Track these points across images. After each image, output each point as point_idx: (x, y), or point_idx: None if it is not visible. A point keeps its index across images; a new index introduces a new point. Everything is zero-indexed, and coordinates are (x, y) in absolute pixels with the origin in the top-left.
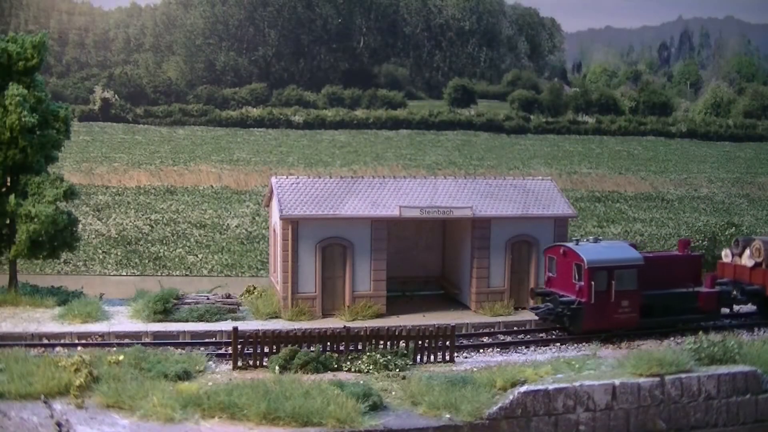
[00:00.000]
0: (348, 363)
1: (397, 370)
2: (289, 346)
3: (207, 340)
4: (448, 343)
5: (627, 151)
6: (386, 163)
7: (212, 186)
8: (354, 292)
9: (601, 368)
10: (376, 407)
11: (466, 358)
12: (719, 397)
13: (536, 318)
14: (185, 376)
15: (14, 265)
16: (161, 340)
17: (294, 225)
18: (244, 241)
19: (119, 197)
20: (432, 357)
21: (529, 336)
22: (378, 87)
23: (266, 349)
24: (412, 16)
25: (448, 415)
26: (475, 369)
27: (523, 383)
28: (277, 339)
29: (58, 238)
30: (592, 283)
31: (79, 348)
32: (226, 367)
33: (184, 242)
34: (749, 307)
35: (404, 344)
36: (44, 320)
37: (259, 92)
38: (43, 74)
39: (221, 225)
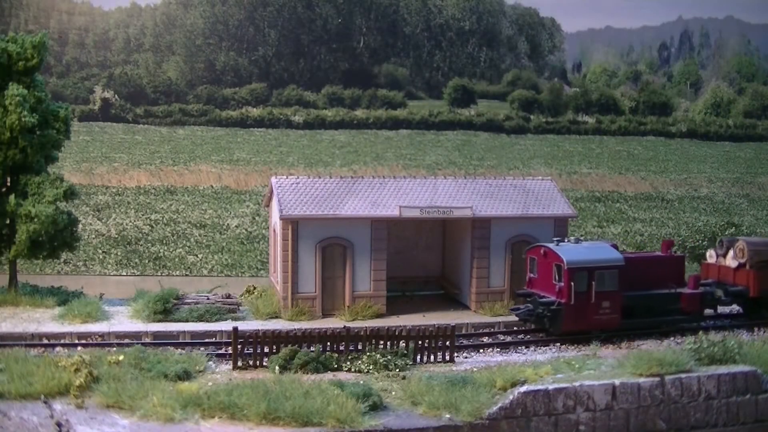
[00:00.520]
0: (348, 363)
1: (397, 370)
2: (289, 346)
3: (207, 340)
4: (448, 343)
5: (627, 151)
6: (386, 163)
7: (212, 186)
8: (354, 292)
9: (601, 368)
10: (376, 407)
11: (466, 358)
12: (719, 397)
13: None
14: (185, 376)
15: (14, 265)
16: (161, 340)
17: (294, 225)
18: (244, 241)
19: (119, 197)
20: (432, 357)
21: (529, 336)
22: (378, 87)
23: (266, 349)
24: (412, 16)
25: (448, 415)
26: (475, 369)
27: (523, 383)
28: (277, 339)
29: (58, 238)
30: (572, 283)
31: (79, 348)
32: (226, 367)
33: (184, 242)
34: (736, 308)
35: (404, 344)
36: (44, 320)
37: (259, 92)
38: (43, 74)
39: (221, 225)
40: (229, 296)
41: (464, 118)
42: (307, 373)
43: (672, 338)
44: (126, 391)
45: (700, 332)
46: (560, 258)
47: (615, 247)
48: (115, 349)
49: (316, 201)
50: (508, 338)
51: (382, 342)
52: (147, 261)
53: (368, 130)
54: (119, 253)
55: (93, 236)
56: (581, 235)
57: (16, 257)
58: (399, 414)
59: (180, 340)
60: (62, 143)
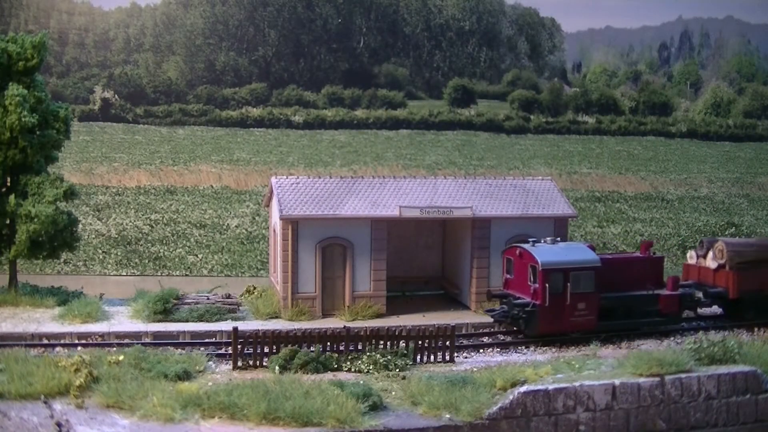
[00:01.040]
0: (348, 363)
1: (397, 370)
2: (289, 346)
3: (207, 340)
4: (448, 343)
5: (627, 151)
6: (386, 163)
7: (212, 186)
8: (354, 292)
9: (601, 368)
10: (376, 407)
11: (466, 358)
12: (719, 397)
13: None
14: (185, 376)
15: (14, 265)
16: (161, 340)
17: (294, 225)
18: (244, 241)
19: (119, 197)
20: (432, 357)
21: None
22: (378, 87)
23: (266, 349)
24: (412, 16)
25: (448, 415)
26: (475, 369)
27: (523, 383)
28: (277, 339)
29: (58, 238)
30: (547, 285)
31: (79, 348)
32: (226, 367)
33: (184, 242)
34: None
35: (404, 344)
36: (44, 320)
37: (259, 92)
38: (43, 74)
39: (221, 225)
40: (229, 296)
41: (464, 118)
42: (307, 373)
43: (672, 338)
44: (126, 391)
45: (701, 332)
46: (535, 259)
47: (592, 248)
48: (115, 349)
49: (316, 201)
50: (508, 338)
51: (382, 342)
52: (147, 261)
53: (368, 130)
54: (119, 253)
55: (93, 236)
56: (581, 236)
57: (16, 257)
58: (399, 414)
59: (180, 340)
60: (62, 143)
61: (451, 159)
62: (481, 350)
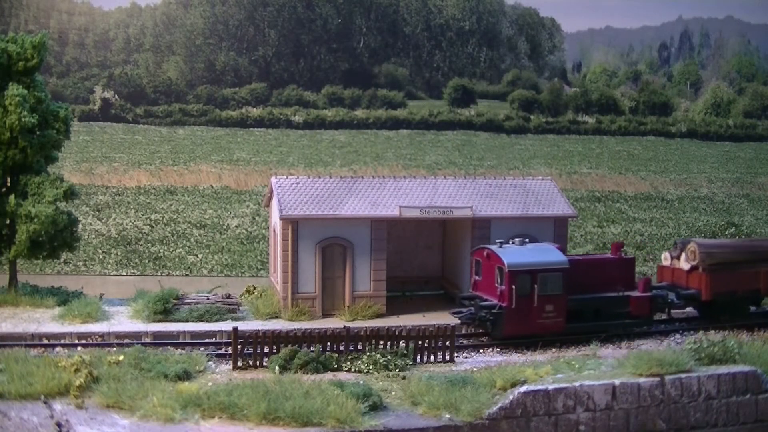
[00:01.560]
0: (348, 363)
1: (397, 370)
2: (289, 346)
3: (207, 341)
4: (448, 343)
5: (627, 151)
6: (386, 163)
7: (212, 186)
8: (354, 292)
9: (601, 368)
10: (376, 407)
11: (466, 358)
12: (719, 397)
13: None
14: (185, 376)
15: (14, 265)
16: (161, 340)
17: (294, 225)
18: (244, 241)
19: (119, 197)
20: (432, 357)
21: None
22: (378, 87)
23: (266, 349)
24: (412, 16)
25: (448, 415)
26: (475, 369)
27: (523, 383)
28: (277, 339)
29: (58, 238)
30: (513, 287)
31: (79, 348)
32: (226, 367)
33: (184, 242)
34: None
35: (404, 344)
36: (44, 320)
37: (259, 92)
38: (43, 74)
39: (221, 225)
40: (229, 296)
41: (464, 118)
42: (307, 373)
43: (672, 338)
44: (126, 391)
45: (700, 332)
46: (501, 260)
47: (561, 249)
48: (115, 349)
49: (316, 201)
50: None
51: (382, 342)
52: (147, 261)
53: (368, 130)
54: (119, 253)
55: (93, 236)
56: (583, 234)
57: (16, 257)
58: (399, 414)
59: (180, 341)
60: (62, 143)
61: (451, 159)
62: (481, 350)
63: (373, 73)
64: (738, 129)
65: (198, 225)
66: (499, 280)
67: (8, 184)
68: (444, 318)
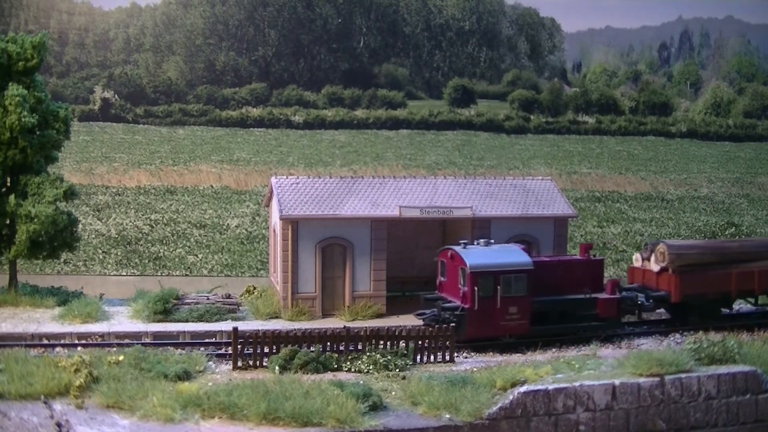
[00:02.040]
0: (348, 363)
1: (397, 370)
2: (289, 346)
3: (207, 341)
4: (448, 343)
5: (627, 151)
6: (386, 163)
7: (212, 186)
8: (354, 292)
9: (601, 368)
10: (376, 407)
11: (466, 358)
12: (719, 397)
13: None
14: (185, 376)
15: (14, 265)
16: (161, 340)
17: (294, 225)
18: (244, 241)
19: (119, 197)
20: (432, 357)
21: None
22: (378, 87)
23: (266, 349)
24: (412, 16)
25: (448, 415)
26: (475, 369)
27: (523, 383)
28: (277, 339)
29: (58, 238)
30: (475, 288)
31: (79, 348)
32: (226, 367)
33: (184, 242)
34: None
35: (404, 344)
36: (44, 320)
37: (259, 92)
38: (43, 74)
39: (221, 225)
40: (229, 296)
41: (464, 118)
42: (307, 373)
43: (672, 338)
44: (126, 391)
45: (700, 332)
46: (464, 261)
47: (527, 251)
48: (115, 349)
49: (316, 201)
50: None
51: (382, 342)
52: (147, 261)
53: (368, 130)
54: (119, 253)
55: (93, 236)
56: (581, 236)
57: (16, 257)
58: (399, 414)
59: (180, 341)
60: (62, 143)
61: (451, 159)
62: (481, 350)
63: (373, 73)
64: (738, 129)
65: (198, 225)
66: (462, 282)
67: (8, 184)
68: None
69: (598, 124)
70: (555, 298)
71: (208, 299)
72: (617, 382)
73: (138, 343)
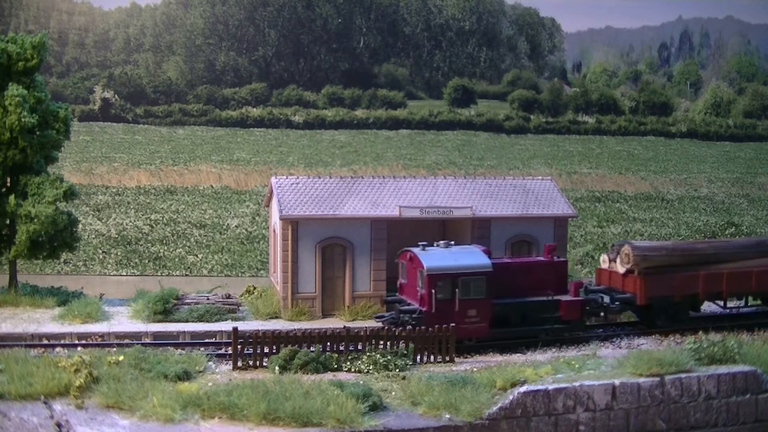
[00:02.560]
0: (348, 363)
1: (397, 370)
2: (289, 346)
3: (207, 341)
4: (448, 343)
5: (627, 151)
6: (386, 163)
7: (212, 186)
8: (354, 292)
9: (601, 368)
10: (376, 407)
11: (466, 358)
12: (719, 397)
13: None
14: (185, 376)
15: (14, 265)
16: (161, 340)
17: (294, 225)
18: (244, 241)
19: (119, 197)
20: (432, 357)
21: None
22: (378, 87)
23: (266, 350)
24: (412, 16)
25: (448, 415)
26: (475, 369)
27: (523, 383)
28: (277, 339)
29: (58, 239)
30: (433, 290)
31: (79, 348)
32: (226, 367)
33: (184, 242)
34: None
35: (404, 344)
36: (44, 321)
37: (259, 92)
38: (43, 74)
39: (221, 225)
40: (229, 296)
41: (464, 118)
42: (307, 374)
43: (672, 338)
44: (126, 391)
45: (700, 332)
46: (422, 264)
47: (488, 252)
48: (115, 349)
49: (316, 201)
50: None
51: (382, 342)
52: (147, 261)
53: (368, 130)
54: (119, 253)
55: (93, 236)
56: (579, 236)
57: (16, 257)
58: (399, 414)
59: (180, 341)
60: (62, 143)
61: (451, 159)
62: (481, 350)
63: (373, 73)
64: (738, 129)
65: (198, 225)
66: (420, 284)
67: (8, 185)
68: None
69: (598, 124)
70: (516, 301)
71: (208, 299)
72: (617, 382)
73: (138, 343)
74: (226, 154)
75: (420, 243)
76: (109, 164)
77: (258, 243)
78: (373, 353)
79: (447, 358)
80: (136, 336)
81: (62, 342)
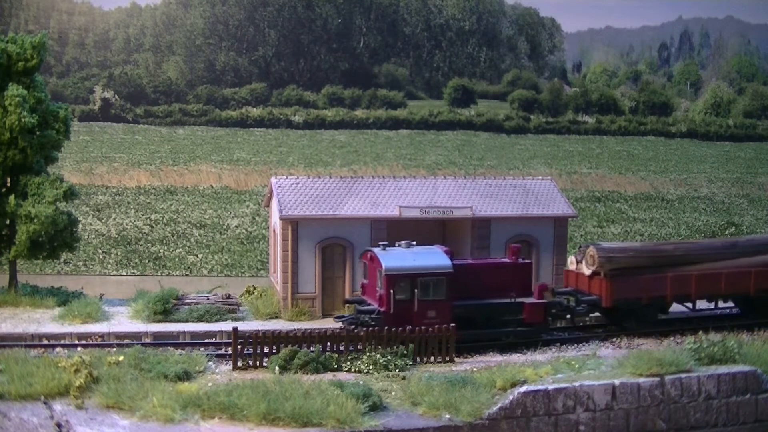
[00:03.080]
0: (348, 363)
1: (397, 370)
2: (289, 346)
3: (207, 341)
4: (448, 343)
5: (627, 151)
6: (386, 163)
7: (212, 186)
8: (354, 292)
9: (601, 368)
10: (376, 407)
11: (466, 358)
12: (719, 397)
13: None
14: (185, 376)
15: (14, 265)
16: (161, 340)
17: (294, 225)
18: (244, 241)
19: (119, 197)
20: (432, 357)
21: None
22: (378, 87)
23: (266, 350)
24: (412, 16)
25: (447, 416)
26: (475, 369)
27: (523, 383)
28: (277, 339)
29: (57, 239)
30: (392, 291)
31: (79, 348)
32: (226, 367)
33: (184, 242)
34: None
35: (404, 344)
36: (44, 321)
37: (259, 92)
38: (43, 74)
39: (221, 225)
40: (229, 296)
41: (464, 118)
42: (307, 374)
43: (672, 338)
44: (126, 391)
45: (700, 332)
46: (381, 264)
47: (450, 253)
48: (115, 349)
49: (316, 201)
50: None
51: (382, 342)
52: (147, 261)
53: (368, 130)
54: (119, 253)
55: (93, 236)
56: (581, 237)
57: (16, 257)
58: (399, 414)
59: (180, 341)
60: (62, 144)
61: (451, 159)
62: (481, 350)
63: (373, 73)
64: (738, 129)
65: (198, 225)
66: (379, 284)
67: (8, 185)
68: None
69: (598, 124)
70: (477, 303)
71: (208, 299)
72: (617, 382)
73: (138, 344)
74: (226, 154)
75: (381, 243)
76: (109, 164)
77: (258, 243)
78: (373, 353)
79: (447, 358)
80: (136, 336)
81: (62, 342)
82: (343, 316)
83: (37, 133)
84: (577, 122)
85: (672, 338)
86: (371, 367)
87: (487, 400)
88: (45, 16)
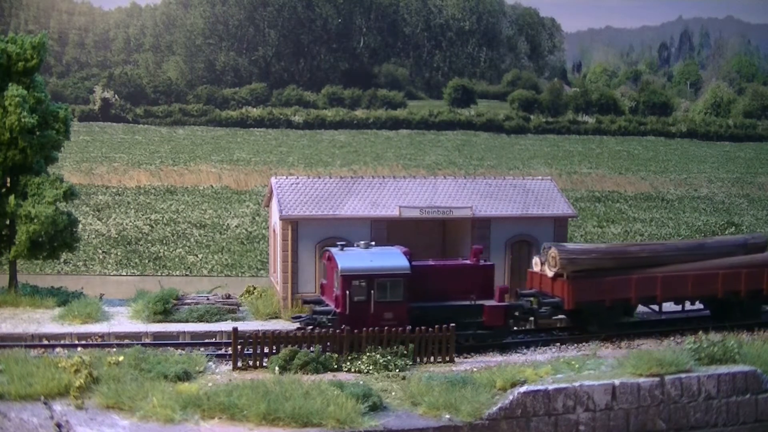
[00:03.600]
0: (348, 363)
1: (397, 370)
2: (289, 346)
3: (207, 341)
4: (448, 343)
5: (627, 151)
6: (386, 163)
7: (212, 186)
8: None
9: (600, 368)
10: (376, 408)
11: (466, 358)
12: (719, 397)
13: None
14: (185, 376)
15: (14, 265)
16: (161, 340)
17: (294, 225)
18: (244, 241)
19: (119, 197)
20: (432, 357)
21: (529, 336)
22: (378, 87)
23: (266, 350)
24: (412, 16)
25: (447, 416)
26: (475, 369)
27: (523, 383)
28: (277, 339)
29: (57, 239)
30: (348, 292)
31: (79, 349)
32: (226, 367)
33: (184, 242)
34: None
35: (404, 344)
36: (44, 321)
37: (259, 92)
38: (43, 74)
39: (221, 225)
40: (229, 296)
41: (464, 118)
42: (307, 374)
43: (672, 338)
44: (126, 391)
45: (700, 332)
46: (337, 264)
47: (408, 254)
48: (115, 349)
49: (315, 201)
50: (509, 338)
51: (382, 342)
52: (147, 261)
53: (368, 130)
54: (119, 253)
55: (93, 236)
56: (574, 236)
57: (16, 258)
58: (399, 414)
59: (180, 341)
60: (62, 144)
61: (451, 159)
62: (481, 350)
63: (373, 73)
64: (738, 129)
65: (198, 225)
66: (336, 285)
67: (8, 185)
68: None
69: (598, 124)
70: (435, 305)
71: (208, 299)
72: (617, 382)
73: (138, 344)
74: (226, 154)
75: (339, 243)
76: (109, 164)
77: (258, 243)
78: (373, 353)
79: (447, 358)
80: (136, 336)
81: (62, 342)
82: (300, 316)
83: (37, 133)
84: (577, 122)
85: (672, 338)
86: (371, 367)
87: (487, 400)
88: (45, 16)
